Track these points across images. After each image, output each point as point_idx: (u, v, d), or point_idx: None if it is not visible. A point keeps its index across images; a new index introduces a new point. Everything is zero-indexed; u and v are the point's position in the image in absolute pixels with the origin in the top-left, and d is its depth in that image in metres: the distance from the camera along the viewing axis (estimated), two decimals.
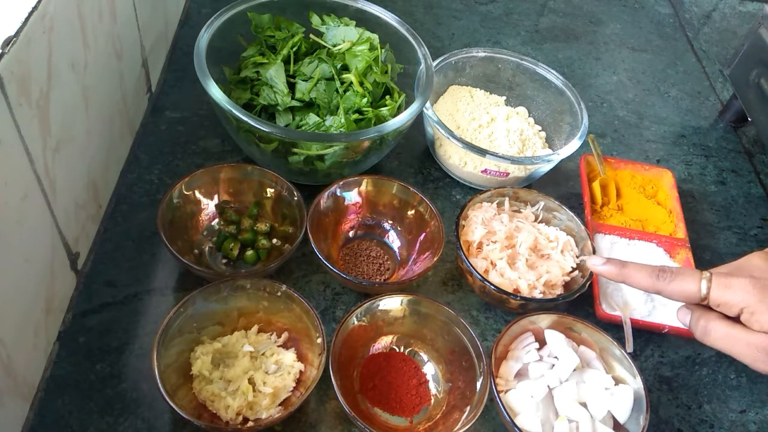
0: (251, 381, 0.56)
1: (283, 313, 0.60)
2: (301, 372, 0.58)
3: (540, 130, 0.86)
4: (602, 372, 0.60)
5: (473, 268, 0.64)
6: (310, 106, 0.73)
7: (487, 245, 0.69)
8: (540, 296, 0.66)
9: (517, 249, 0.69)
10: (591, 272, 0.66)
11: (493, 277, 0.67)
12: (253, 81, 0.74)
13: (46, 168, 0.52)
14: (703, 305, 0.54)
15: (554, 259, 0.69)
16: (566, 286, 0.68)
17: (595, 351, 0.62)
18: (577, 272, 0.69)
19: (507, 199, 0.73)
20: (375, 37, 0.77)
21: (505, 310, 0.68)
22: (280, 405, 0.56)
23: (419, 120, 0.78)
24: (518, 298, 0.64)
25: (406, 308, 0.62)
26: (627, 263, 0.57)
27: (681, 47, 1.13)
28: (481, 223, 0.70)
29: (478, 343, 0.58)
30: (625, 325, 0.65)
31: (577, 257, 0.69)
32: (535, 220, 0.73)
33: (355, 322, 0.60)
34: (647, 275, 0.55)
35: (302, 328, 0.59)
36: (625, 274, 0.56)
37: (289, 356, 0.58)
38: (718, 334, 0.52)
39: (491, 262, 0.68)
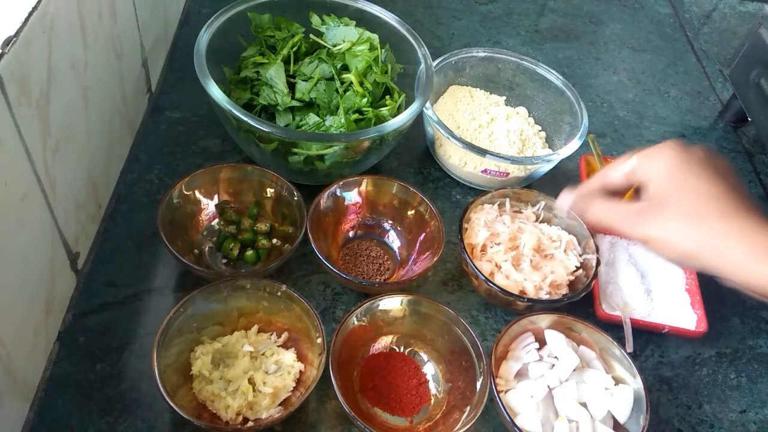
0: (251, 381, 0.56)
1: (283, 313, 0.60)
2: (301, 372, 0.58)
3: (540, 130, 0.86)
4: (602, 372, 0.60)
5: (479, 271, 0.64)
6: (310, 106, 0.73)
7: (491, 247, 0.69)
8: (546, 297, 0.66)
9: (521, 250, 0.69)
10: (595, 271, 0.66)
11: (499, 279, 0.67)
12: (253, 81, 0.74)
13: (46, 168, 0.52)
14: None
15: (558, 259, 0.69)
16: (571, 285, 0.68)
17: (595, 351, 0.62)
18: (581, 271, 0.69)
19: (508, 200, 0.73)
20: (375, 37, 0.77)
21: (510, 310, 0.68)
22: (280, 405, 0.56)
23: (419, 120, 0.78)
24: (525, 300, 0.64)
25: (406, 308, 0.62)
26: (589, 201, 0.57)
27: (681, 47, 1.13)
28: (484, 225, 0.70)
29: (478, 343, 0.58)
30: (625, 325, 0.65)
31: (581, 255, 0.70)
32: (537, 220, 0.73)
33: (355, 322, 0.60)
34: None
35: (302, 328, 0.59)
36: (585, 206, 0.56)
37: (289, 356, 0.58)
38: (598, 207, 0.53)
39: (496, 264, 0.68)
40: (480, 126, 0.82)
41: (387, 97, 0.77)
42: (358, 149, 0.70)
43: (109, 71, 0.64)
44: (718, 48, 1.15)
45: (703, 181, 0.49)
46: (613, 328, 0.66)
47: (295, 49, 0.75)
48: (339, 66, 0.74)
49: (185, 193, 0.66)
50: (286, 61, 0.74)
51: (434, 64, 0.78)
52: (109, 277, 0.64)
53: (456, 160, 0.77)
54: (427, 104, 0.75)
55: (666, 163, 0.50)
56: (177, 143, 0.77)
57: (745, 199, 0.49)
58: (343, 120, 0.70)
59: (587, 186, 0.57)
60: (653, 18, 1.19)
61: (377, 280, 0.68)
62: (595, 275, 0.66)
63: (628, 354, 0.60)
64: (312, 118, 0.71)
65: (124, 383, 0.57)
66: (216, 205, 0.69)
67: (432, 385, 0.61)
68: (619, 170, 0.54)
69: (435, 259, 0.64)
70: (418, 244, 0.69)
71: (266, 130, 0.64)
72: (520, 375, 0.61)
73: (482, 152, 0.73)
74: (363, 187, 0.71)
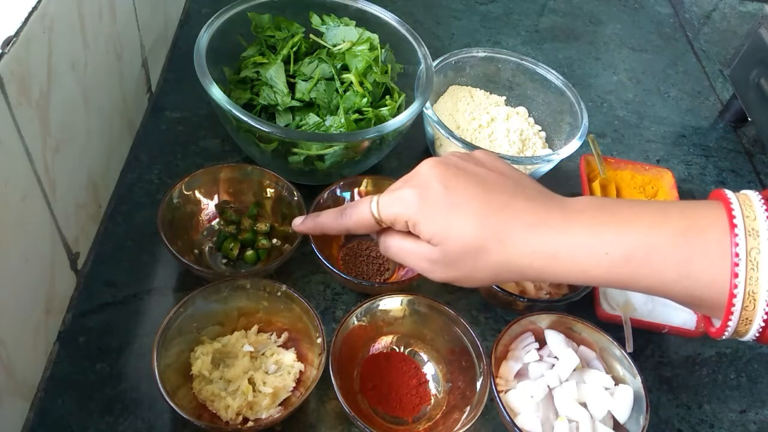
0: (251, 381, 0.56)
1: (283, 313, 0.60)
2: (301, 372, 0.58)
3: (540, 130, 0.86)
4: (602, 372, 0.60)
5: None
6: (310, 106, 0.73)
7: None
8: (546, 297, 0.66)
9: None
10: None
11: None
12: (253, 81, 0.74)
13: (46, 168, 0.52)
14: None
15: None
16: (571, 285, 0.68)
17: (595, 351, 0.62)
18: None
19: None
20: (375, 37, 0.77)
21: (510, 310, 0.68)
22: (280, 405, 0.56)
23: (419, 120, 0.78)
24: (525, 300, 0.64)
25: (406, 308, 0.62)
26: (320, 213, 0.56)
27: (681, 47, 1.13)
28: None
29: (478, 343, 0.58)
30: (625, 325, 0.65)
31: None
32: None
33: (355, 322, 0.60)
34: (333, 218, 0.54)
35: (302, 328, 0.59)
36: (319, 223, 0.55)
37: (289, 356, 0.59)
38: (394, 249, 0.51)
39: None
40: (480, 126, 0.82)
41: (387, 97, 0.77)
42: (358, 149, 0.70)
43: (109, 71, 0.65)
44: (718, 48, 1.15)
45: (462, 211, 0.46)
46: (613, 328, 0.66)
47: (295, 49, 0.75)
48: (339, 66, 0.74)
49: (185, 193, 0.66)
50: (286, 61, 0.74)
51: (434, 64, 0.78)
52: (109, 277, 0.64)
53: None
54: (427, 104, 0.75)
55: (416, 206, 0.47)
56: (177, 143, 0.77)
57: (515, 180, 0.48)
58: (343, 120, 0.70)
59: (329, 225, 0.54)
60: (653, 18, 1.19)
61: (377, 280, 0.68)
62: None
63: (628, 354, 0.60)
64: (312, 118, 0.71)
65: (124, 383, 0.57)
66: (216, 205, 0.69)
67: (432, 385, 0.61)
68: (359, 222, 0.51)
69: None
70: None
71: (266, 130, 0.64)
72: (520, 375, 0.61)
73: None
74: (363, 187, 0.71)
